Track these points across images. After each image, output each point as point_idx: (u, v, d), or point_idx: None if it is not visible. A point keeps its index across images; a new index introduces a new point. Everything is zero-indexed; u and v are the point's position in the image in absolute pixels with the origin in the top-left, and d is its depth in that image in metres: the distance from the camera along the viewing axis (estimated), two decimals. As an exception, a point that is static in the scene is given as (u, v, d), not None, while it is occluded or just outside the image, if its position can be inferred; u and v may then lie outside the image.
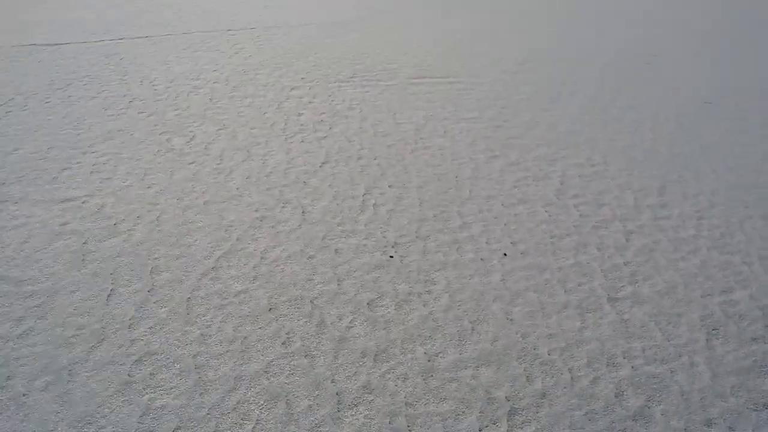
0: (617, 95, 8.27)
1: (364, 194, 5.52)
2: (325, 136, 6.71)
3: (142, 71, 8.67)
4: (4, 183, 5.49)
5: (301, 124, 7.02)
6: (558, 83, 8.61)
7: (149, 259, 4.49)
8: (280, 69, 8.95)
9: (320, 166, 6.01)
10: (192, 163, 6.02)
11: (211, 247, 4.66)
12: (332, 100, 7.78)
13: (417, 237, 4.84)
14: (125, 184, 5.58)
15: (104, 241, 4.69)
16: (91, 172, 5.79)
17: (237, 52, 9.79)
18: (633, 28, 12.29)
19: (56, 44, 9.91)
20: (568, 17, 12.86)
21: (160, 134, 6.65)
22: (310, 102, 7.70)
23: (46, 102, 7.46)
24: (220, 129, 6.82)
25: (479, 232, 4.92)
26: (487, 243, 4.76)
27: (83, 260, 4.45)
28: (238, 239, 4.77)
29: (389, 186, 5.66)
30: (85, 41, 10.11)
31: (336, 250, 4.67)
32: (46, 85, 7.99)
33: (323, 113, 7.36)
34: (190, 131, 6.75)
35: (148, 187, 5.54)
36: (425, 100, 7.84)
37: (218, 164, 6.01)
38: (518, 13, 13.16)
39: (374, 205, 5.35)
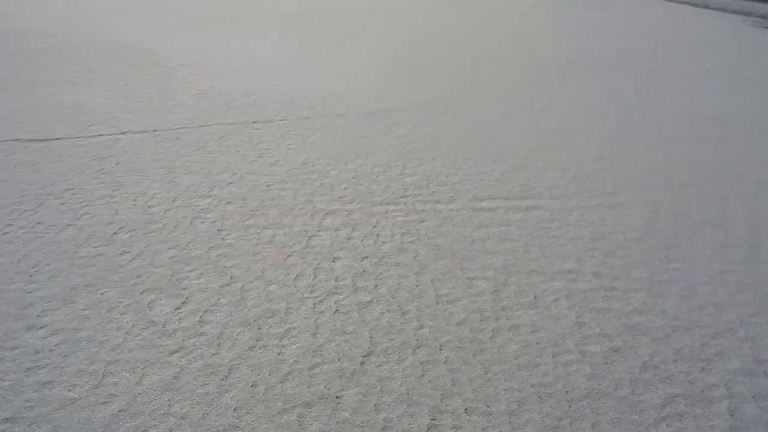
0: (762, 229, 6.31)
1: (429, 429, 3.59)
2: (369, 302, 4.87)
3: (139, 183, 6.97)
4: None
5: (336, 279, 5.20)
6: (674, 213, 6.68)
7: None
8: (312, 182, 7.20)
9: (361, 363, 4.15)
10: (176, 352, 4.20)
11: None
12: (377, 235, 5.96)
13: None
14: (70, 395, 3.78)
15: None
16: (27, 370, 3.99)
17: (261, 154, 8.10)
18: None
19: (44, 140, 8.35)
20: (678, 118, 10.99)
21: (141, 294, 4.87)
22: (348, 238, 5.89)
23: (4, 233, 5.76)
24: (225, 285, 5.02)
25: None
26: None
27: None
28: None
29: (465, 410, 3.75)
30: (78, 136, 8.54)
31: None
32: (11, 205, 6.33)
33: (365, 258, 5.54)
34: (184, 288, 4.96)
35: (103, 403, 3.72)
36: (500, 237, 5.97)
37: (213, 354, 4.17)
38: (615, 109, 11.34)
39: (446, 455, 3.43)
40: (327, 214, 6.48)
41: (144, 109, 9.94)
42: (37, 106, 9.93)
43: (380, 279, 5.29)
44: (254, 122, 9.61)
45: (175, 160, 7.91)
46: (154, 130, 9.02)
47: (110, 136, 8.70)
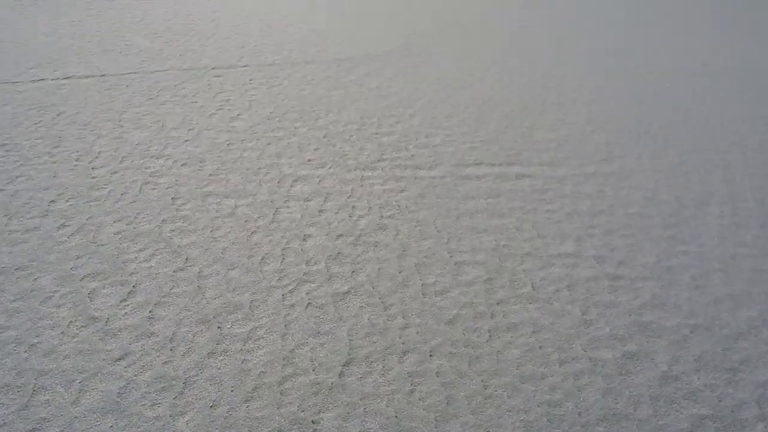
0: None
1: (423, 465, 3.02)
2: (346, 293, 4.23)
3: (82, 139, 6.15)
4: None
5: (308, 262, 4.53)
6: (675, 184, 6.10)
7: None
8: (279, 140, 6.44)
9: (340, 375, 3.55)
10: (121, 359, 3.54)
11: None
12: (353, 207, 5.29)
13: None
14: (-11, 420, 3.08)
15: None
16: (-63, 385, 3.27)
17: (221, 105, 7.27)
18: None
19: (-24, 85, 7.38)
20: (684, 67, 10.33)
21: (81, 280, 4.16)
22: (320, 210, 5.21)
23: None
24: (179, 269, 4.32)
25: None
26: None
27: None
28: None
29: (464, 437, 3.16)
30: (17, 80, 7.59)
31: None
32: (-68, 165, 5.47)
33: (340, 236, 4.88)
34: (132, 273, 4.25)
35: (32, 431, 3.01)
36: (489, 211, 5.34)
37: (165, 363, 3.51)
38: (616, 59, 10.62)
39: (445, 503, 2.87)
40: (296, 180, 5.77)
41: (92, 50, 8.97)
42: (-30, 43, 8.89)
43: (358, 263, 4.64)
44: (214, 68, 8.74)
45: (124, 111, 7.06)
46: (102, 75, 8.11)
47: (53, 81, 7.78)
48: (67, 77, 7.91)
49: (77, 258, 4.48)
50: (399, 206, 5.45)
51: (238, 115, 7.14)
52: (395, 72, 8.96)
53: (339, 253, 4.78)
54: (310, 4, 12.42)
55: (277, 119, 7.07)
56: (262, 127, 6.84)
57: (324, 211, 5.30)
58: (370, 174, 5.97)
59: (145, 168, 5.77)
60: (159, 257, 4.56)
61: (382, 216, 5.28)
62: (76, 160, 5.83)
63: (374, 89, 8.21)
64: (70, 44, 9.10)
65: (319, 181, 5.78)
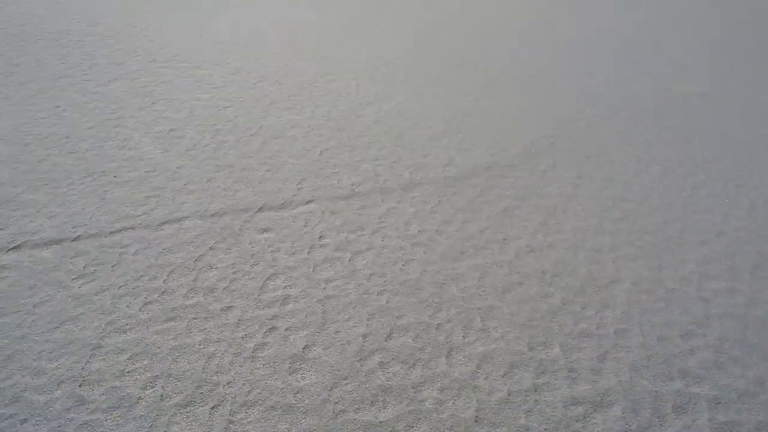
0: None
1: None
2: None
3: None
4: None
5: None
6: None
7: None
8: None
9: None
10: None
11: None
12: None
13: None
14: None
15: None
16: None
17: (273, 317, 4.22)
18: None
19: None
20: None
21: None
22: None
23: None
24: None
25: None
26: None
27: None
28: None
29: None
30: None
31: None
32: None
33: None
34: None
35: None
36: None
37: None
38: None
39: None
40: None
41: (69, 173, 5.79)
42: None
43: None
44: (259, 210, 5.45)
45: (97, 347, 4.00)
46: (75, 239, 4.95)
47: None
48: (16, 245, 4.67)
49: None
50: None
51: (305, 347, 3.83)
52: (549, 204, 5.53)
53: None
54: (376, 92, 9.05)
55: (377, 356, 3.74)
56: (351, 388, 3.44)
57: None
58: None
59: None
60: None
61: None
62: None
63: (528, 253, 4.83)
64: (40, 159, 5.88)
65: None
